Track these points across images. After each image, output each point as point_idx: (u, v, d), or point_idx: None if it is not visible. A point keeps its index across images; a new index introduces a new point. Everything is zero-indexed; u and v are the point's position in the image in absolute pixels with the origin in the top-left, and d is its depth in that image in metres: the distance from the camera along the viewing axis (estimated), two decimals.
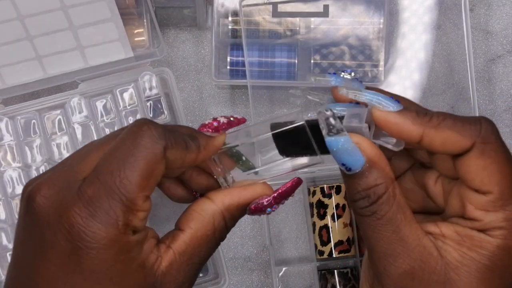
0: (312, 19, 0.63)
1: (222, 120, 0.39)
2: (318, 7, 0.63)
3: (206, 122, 0.39)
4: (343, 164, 0.34)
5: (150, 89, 0.59)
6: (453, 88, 0.64)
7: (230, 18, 0.63)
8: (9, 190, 0.58)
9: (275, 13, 0.63)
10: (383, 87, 0.63)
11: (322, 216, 0.61)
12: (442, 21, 0.64)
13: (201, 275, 0.58)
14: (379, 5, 0.63)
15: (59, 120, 0.59)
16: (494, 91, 0.66)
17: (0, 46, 0.57)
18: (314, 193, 0.61)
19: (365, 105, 0.36)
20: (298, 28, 0.63)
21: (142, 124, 0.34)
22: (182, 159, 0.36)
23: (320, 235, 0.61)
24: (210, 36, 0.65)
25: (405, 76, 0.64)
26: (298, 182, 0.39)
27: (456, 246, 0.34)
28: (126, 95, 0.59)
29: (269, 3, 0.62)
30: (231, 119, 0.40)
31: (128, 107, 0.59)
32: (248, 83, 0.60)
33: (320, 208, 0.61)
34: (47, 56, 0.58)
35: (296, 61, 0.63)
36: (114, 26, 0.58)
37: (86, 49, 0.59)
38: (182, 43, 0.66)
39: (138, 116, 0.59)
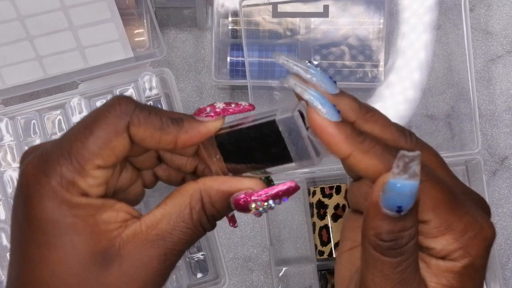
0: (312, 19, 0.63)
1: (219, 105, 0.36)
2: (318, 7, 0.63)
3: (201, 107, 0.37)
4: (398, 207, 0.32)
5: (150, 89, 0.59)
6: (453, 88, 0.64)
7: (230, 18, 0.63)
8: (9, 190, 0.58)
9: (275, 13, 0.63)
10: (383, 87, 0.63)
11: (322, 216, 0.61)
12: (442, 21, 0.64)
13: (201, 275, 0.58)
14: (379, 5, 0.63)
15: (59, 120, 0.59)
16: (494, 91, 0.66)
17: (0, 46, 0.57)
18: (314, 193, 0.61)
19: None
20: (298, 28, 0.63)
21: (115, 99, 0.35)
22: (155, 140, 0.35)
23: (320, 235, 0.61)
24: (210, 36, 0.65)
25: (405, 76, 0.64)
26: (292, 188, 0.35)
27: (431, 277, 0.34)
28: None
29: (269, 3, 0.62)
30: (232, 105, 0.36)
31: None
32: (248, 83, 0.60)
33: (320, 208, 0.61)
34: (47, 56, 0.58)
35: None
36: (114, 26, 0.58)
37: (86, 49, 0.59)
38: (182, 43, 0.66)
39: None
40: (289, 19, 0.63)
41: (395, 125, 0.36)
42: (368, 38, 0.63)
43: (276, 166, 0.35)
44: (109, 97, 0.59)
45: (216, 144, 0.36)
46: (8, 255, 0.57)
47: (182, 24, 0.65)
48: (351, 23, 0.63)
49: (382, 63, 0.63)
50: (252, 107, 0.37)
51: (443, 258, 0.34)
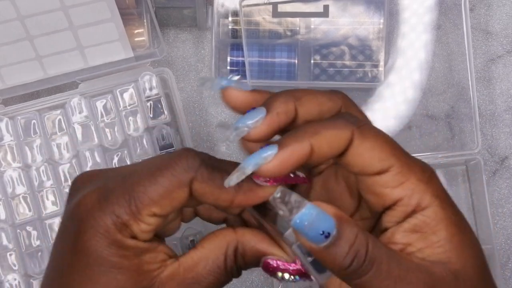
0: (312, 19, 0.63)
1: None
2: (318, 7, 0.63)
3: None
4: (322, 233, 0.32)
5: (150, 89, 0.59)
6: (453, 88, 0.64)
7: (230, 18, 0.63)
8: (9, 190, 0.58)
9: (275, 13, 0.63)
10: (383, 87, 0.64)
11: None
12: (442, 21, 0.64)
13: None
14: (379, 5, 0.63)
15: (59, 120, 0.59)
16: (494, 91, 0.66)
17: (0, 46, 0.57)
18: None
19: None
20: (298, 28, 0.63)
21: (183, 151, 0.36)
22: (214, 196, 0.36)
23: None
24: (210, 36, 0.65)
25: (405, 76, 0.64)
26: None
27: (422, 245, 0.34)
28: (126, 95, 0.59)
29: (269, 3, 0.62)
30: (291, 175, 0.36)
31: (128, 107, 0.59)
32: (248, 83, 0.60)
33: None
34: (47, 56, 0.58)
35: (296, 61, 0.63)
36: (114, 26, 0.58)
37: (86, 49, 0.59)
38: (182, 43, 0.66)
39: (138, 116, 0.59)
40: (289, 19, 0.63)
41: (323, 95, 0.36)
42: (368, 38, 0.63)
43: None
44: (109, 97, 0.59)
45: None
46: (8, 255, 0.57)
47: (182, 24, 0.65)
48: (351, 23, 0.63)
49: (382, 63, 0.63)
50: (306, 180, 0.37)
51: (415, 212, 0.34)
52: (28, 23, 0.56)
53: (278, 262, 0.37)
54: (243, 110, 0.36)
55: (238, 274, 0.38)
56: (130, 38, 0.59)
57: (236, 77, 0.37)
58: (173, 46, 0.66)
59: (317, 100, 0.36)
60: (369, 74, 0.63)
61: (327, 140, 0.33)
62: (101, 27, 0.58)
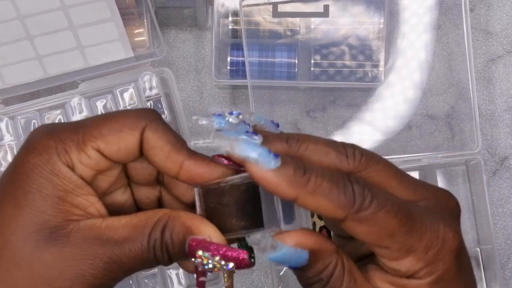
0: (312, 19, 0.63)
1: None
2: (318, 7, 0.63)
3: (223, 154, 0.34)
4: (290, 267, 0.34)
5: (150, 89, 0.59)
6: (453, 88, 0.64)
7: (230, 18, 0.63)
8: None
9: (275, 13, 0.63)
10: (383, 87, 0.63)
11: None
12: (442, 21, 0.64)
13: None
14: (379, 5, 0.63)
15: (59, 120, 0.59)
16: (494, 91, 0.66)
17: (0, 46, 0.57)
18: None
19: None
20: (298, 28, 0.63)
21: (145, 109, 0.36)
22: (164, 154, 0.34)
23: None
24: (210, 36, 0.65)
25: (405, 76, 0.64)
26: (241, 260, 0.33)
27: None
28: (126, 95, 0.59)
29: (269, 3, 0.62)
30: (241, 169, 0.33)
31: (128, 107, 0.59)
32: (248, 83, 0.60)
33: None
34: (47, 56, 0.58)
35: (296, 61, 0.63)
36: (114, 26, 0.58)
37: (86, 49, 0.59)
38: (182, 43, 0.66)
39: None
40: (289, 19, 0.63)
41: (334, 147, 0.34)
42: (368, 38, 0.63)
43: (248, 230, 0.33)
44: (109, 97, 0.59)
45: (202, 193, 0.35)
46: None
47: (182, 23, 0.65)
48: (351, 23, 0.63)
49: (382, 63, 0.63)
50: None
51: (409, 277, 0.34)
52: (28, 23, 0.56)
53: (202, 241, 0.33)
54: None
55: (163, 259, 0.34)
56: (130, 38, 0.59)
57: (233, 116, 0.35)
58: (173, 46, 0.66)
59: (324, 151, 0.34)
60: (369, 74, 0.63)
61: (315, 205, 0.32)
62: (101, 26, 0.58)
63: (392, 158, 0.62)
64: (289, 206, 0.33)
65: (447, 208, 0.35)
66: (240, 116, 0.35)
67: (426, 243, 0.33)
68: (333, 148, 0.34)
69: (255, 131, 0.34)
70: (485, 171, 0.63)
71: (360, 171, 0.34)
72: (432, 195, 0.35)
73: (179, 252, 0.34)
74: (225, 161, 0.34)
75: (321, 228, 0.61)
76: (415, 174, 0.64)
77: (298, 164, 0.32)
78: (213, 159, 0.34)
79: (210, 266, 0.33)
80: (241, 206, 0.34)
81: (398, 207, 0.32)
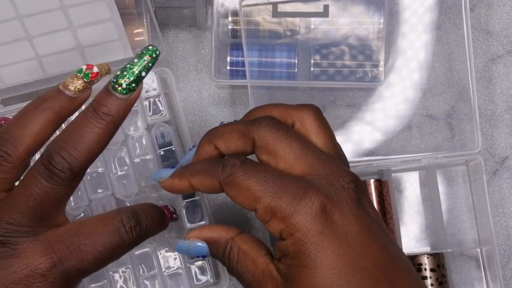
0: (312, 19, 0.63)
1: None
2: (318, 7, 0.63)
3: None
4: (197, 256, 0.43)
5: (150, 89, 0.59)
6: (453, 88, 0.64)
7: (230, 18, 0.63)
8: None
9: (275, 13, 0.63)
10: (383, 87, 0.63)
11: None
12: (442, 21, 0.64)
13: (200, 278, 0.58)
14: (379, 5, 0.63)
15: None
16: (494, 91, 0.66)
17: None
18: None
19: None
20: (298, 28, 0.63)
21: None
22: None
23: None
24: (210, 36, 0.65)
25: (405, 76, 0.64)
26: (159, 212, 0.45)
27: (282, 260, 0.39)
28: None
29: (269, 3, 0.62)
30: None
31: None
32: (248, 83, 0.60)
33: None
34: (46, 56, 0.58)
35: (296, 61, 0.63)
36: (113, 26, 0.58)
37: (85, 49, 0.58)
38: (182, 43, 0.66)
39: (138, 116, 0.59)
40: (289, 19, 0.63)
41: (236, 134, 0.42)
42: (368, 38, 0.63)
43: None
44: None
45: None
46: None
47: (182, 23, 0.65)
48: (351, 23, 0.63)
49: (382, 63, 0.63)
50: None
51: (281, 240, 0.39)
52: (27, 23, 0.56)
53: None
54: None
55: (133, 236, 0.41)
56: (130, 38, 0.59)
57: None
58: (173, 46, 0.66)
59: (232, 138, 0.42)
60: (369, 74, 0.63)
61: (200, 183, 0.41)
62: (100, 26, 0.57)
63: (392, 158, 0.62)
64: (194, 210, 0.51)
65: (332, 184, 0.38)
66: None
67: (284, 205, 0.37)
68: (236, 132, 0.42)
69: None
70: (485, 171, 0.62)
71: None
72: (324, 171, 0.39)
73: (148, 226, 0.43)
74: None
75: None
76: (415, 174, 0.64)
77: (181, 168, 0.43)
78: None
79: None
80: None
81: (267, 177, 0.39)
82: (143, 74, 0.41)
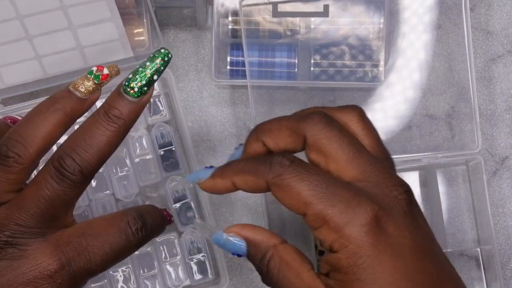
0: (312, 19, 0.63)
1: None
2: (318, 7, 0.63)
3: None
4: (233, 254, 0.40)
5: None
6: (453, 88, 0.64)
7: (230, 18, 0.63)
8: None
9: (275, 13, 0.63)
10: (384, 87, 0.63)
11: None
12: (442, 21, 0.64)
13: (201, 276, 0.58)
14: (379, 5, 0.63)
15: None
16: (495, 91, 0.66)
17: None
18: None
19: None
20: (298, 28, 0.63)
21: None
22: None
23: None
24: (210, 36, 0.65)
25: (405, 76, 0.64)
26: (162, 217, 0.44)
27: (331, 275, 0.37)
28: None
29: (269, 3, 0.62)
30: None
31: None
32: (248, 83, 0.60)
33: None
34: (46, 55, 0.58)
35: (296, 61, 0.63)
36: (114, 26, 0.58)
37: (85, 49, 0.58)
38: (182, 43, 0.66)
39: None
40: (289, 18, 0.63)
41: (286, 130, 0.40)
42: (368, 38, 0.63)
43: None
44: None
45: None
46: None
47: (182, 23, 0.65)
48: (351, 22, 0.63)
49: (382, 62, 0.63)
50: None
51: (331, 251, 0.36)
52: (27, 23, 0.56)
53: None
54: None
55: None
56: (130, 38, 0.59)
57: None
58: (173, 46, 0.66)
59: (282, 134, 0.40)
60: (369, 74, 0.63)
61: (245, 182, 0.39)
62: (100, 26, 0.57)
63: (392, 158, 0.62)
64: (186, 212, 0.56)
65: (385, 193, 0.37)
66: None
67: (337, 214, 0.35)
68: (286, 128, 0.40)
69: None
70: (485, 171, 0.62)
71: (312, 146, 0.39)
72: (377, 178, 0.37)
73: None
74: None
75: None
76: (415, 174, 0.64)
77: (222, 166, 0.41)
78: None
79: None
80: None
81: (319, 181, 0.36)
82: (155, 77, 0.40)
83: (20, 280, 0.36)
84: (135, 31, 0.61)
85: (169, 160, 0.58)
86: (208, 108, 0.65)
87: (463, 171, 0.64)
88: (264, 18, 0.63)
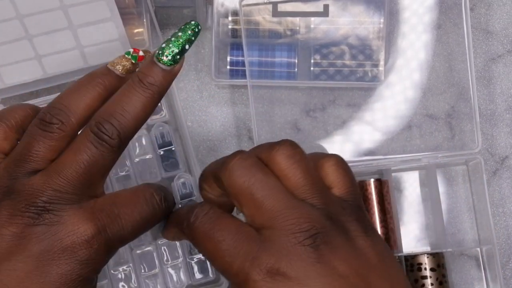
0: (312, 18, 0.63)
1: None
2: (318, 7, 0.63)
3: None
4: None
5: None
6: (453, 88, 0.64)
7: (230, 18, 0.63)
8: None
9: (275, 13, 0.63)
10: (383, 87, 0.63)
11: None
12: (442, 20, 0.64)
13: (201, 276, 0.58)
14: (379, 5, 0.63)
15: None
16: (495, 90, 0.66)
17: None
18: None
19: None
20: (298, 28, 0.63)
21: None
22: None
23: None
24: (210, 36, 0.65)
25: (405, 76, 0.64)
26: None
27: None
28: None
29: (269, 3, 0.62)
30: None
31: None
32: (248, 83, 0.60)
33: None
34: (46, 55, 0.58)
35: (296, 61, 0.63)
36: (113, 25, 0.58)
37: (85, 48, 0.58)
38: None
39: None
40: (289, 18, 0.63)
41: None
42: (368, 38, 0.63)
43: None
44: None
45: None
46: None
47: (182, 23, 0.65)
48: (351, 22, 0.63)
49: (382, 62, 0.63)
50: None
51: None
52: (27, 22, 0.56)
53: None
54: None
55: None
56: (130, 38, 0.59)
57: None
58: None
59: (208, 181, 0.43)
60: (369, 74, 0.63)
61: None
62: (100, 26, 0.57)
63: (392, 157, 0.62)
64: None
65: (289, 239, 0.36)
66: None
67: (236, 270, 0.36)
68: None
69: None
70: (485, 171, 0.62)
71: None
72: (284, 225, 0.37)
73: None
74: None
75: None
76: (415, 174, 0.64)
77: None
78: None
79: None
80: None
81: (224, 236, 0.37)
82: (187, 47, 0.42)
83: (58, 246, 0.36)
84: (135, 31, 0.61)
85: (169, 160, 0.58)
86: (208, 108, 0.65)
87: (463, 171, 0.65)
88: (264, 18, 0.63)
